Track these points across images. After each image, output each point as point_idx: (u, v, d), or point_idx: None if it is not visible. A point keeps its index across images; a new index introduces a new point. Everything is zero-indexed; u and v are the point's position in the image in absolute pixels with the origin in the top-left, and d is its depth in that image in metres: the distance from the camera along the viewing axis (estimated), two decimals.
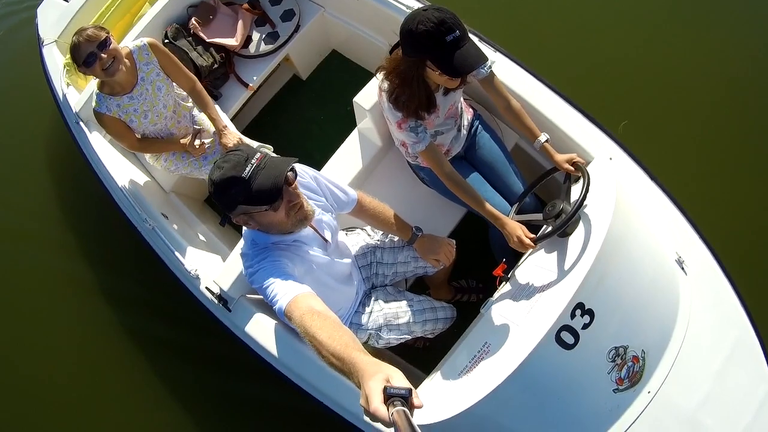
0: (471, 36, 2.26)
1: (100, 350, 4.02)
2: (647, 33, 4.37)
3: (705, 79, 4.13)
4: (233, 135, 3.20)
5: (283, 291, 1.90)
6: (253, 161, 1.88)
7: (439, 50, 2.19)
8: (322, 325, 1.64)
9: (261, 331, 2.69)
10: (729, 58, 4.17)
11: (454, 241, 2.73)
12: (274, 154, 2.00)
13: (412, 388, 1.23)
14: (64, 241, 4.31)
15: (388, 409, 1.18)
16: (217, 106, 3.33)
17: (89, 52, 2.82)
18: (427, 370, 2.63)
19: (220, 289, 2.78)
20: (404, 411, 1.15)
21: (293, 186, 2.00)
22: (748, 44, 4.19)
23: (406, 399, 1.20)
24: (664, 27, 4.37)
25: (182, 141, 3.25)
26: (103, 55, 2.84)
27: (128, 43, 3.11)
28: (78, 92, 3.66)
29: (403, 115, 2.49)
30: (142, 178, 3.56)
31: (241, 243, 2.21)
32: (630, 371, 2.21)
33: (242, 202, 1.91)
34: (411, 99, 2.45)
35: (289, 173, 1.95)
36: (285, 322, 1.94)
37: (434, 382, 2.47)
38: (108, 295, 4.14)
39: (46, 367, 4.06)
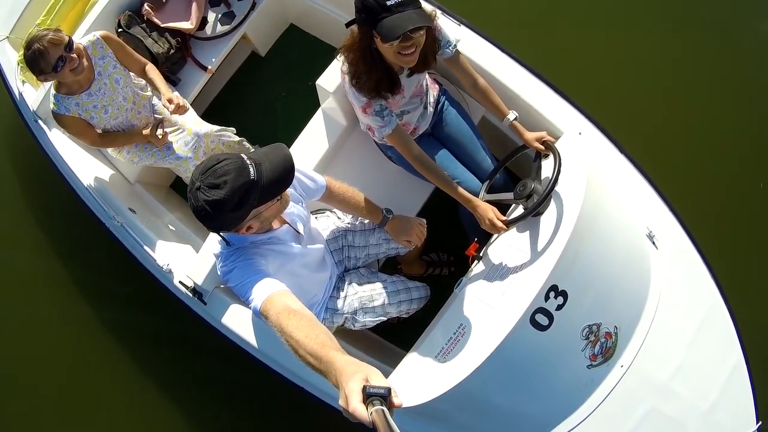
0: (437, 11, 2.21)
1: (82, 346, 4.01)
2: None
3: (672, 45, 4.15)
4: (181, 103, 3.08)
5: (257, 290, 1.87)
6: (248, 161, 1.80)
7: (380, 15, 2.12)
8: (299, 325, 1.62)
9: (238, 321, 2.70)
10: (691, 20, 4.19)
11: (425, 221, 2.72)
12: (249, 144, 1.94)
13: (391, 387, 1.22)
14: (35, 241, 4.22)
15: (367, 409, 1.17)
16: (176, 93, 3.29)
17: (59, 57, 2.72)
18: (403, 345, 2.65)
19: (194, 283, 2.77)
20: (383, 410, 1.15)
21: None
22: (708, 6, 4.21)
23: (385, 398, 1.19)
24: None
25: (144, 132, 3.18)
26: (73, 55, 2.76)
27: (80, 38, 3.01)
28: (34, 89, 3.56)
29: (367, 97, 2.45)
30: (106, 172, 3.49)
31: (214, 241, 2.16)
32: (603, 347, 2.27)
33: (257, 204, 1.85)
34: (369, 75, 2.39)
35: None
36: (261, 321, 1.90)
37: (411, 364, 2.50)
38: (84, 291, 4.09)
39: (28, 364, 4.04)
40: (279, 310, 1.74)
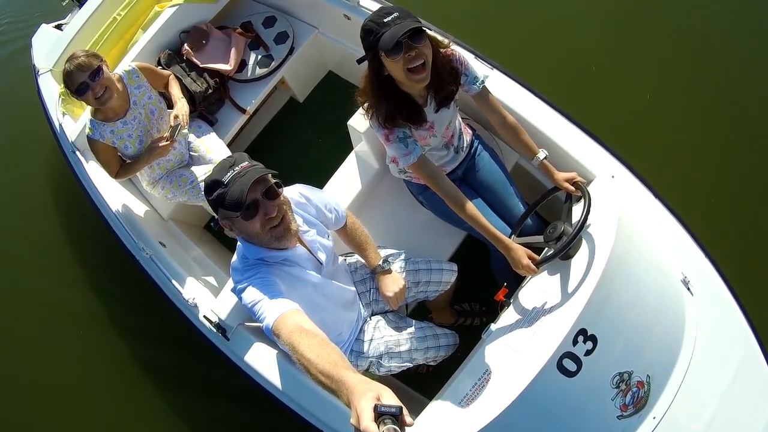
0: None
1: (101, 377, 4.04)
2: (643, 41, 4.42)
3: (710, 89, 4.11)
4: (180, 110, 3.15)
5: (270, 308, 1.89)
6: (237, 168, 1.92)
7: (379, 33, 2.17)
8: (310, 344, 1.64)
9: (260, 360, 2.66)
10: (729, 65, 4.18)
11: (404, 284, 2.63)
12: (260, 165, 1.97)
13: (403, 405, 1.23)
14: (63, 268, 4.33)
15: (378, 427, 1.18)
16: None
17: (81, 82, 2.81)
18: (431, 395, 2.58)
19: (218, 317, 2.75)
20: (395, 429, 1.16)
21: (277, 200, 1.98)
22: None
23: (396, 417, 1.20)
24: (655, 31, 4.42)
25: (161, 144, 3.06)
26: (97, 84, 2.84)
27: (118, 69, 3.10)
28: (74, 121, 3.66)
29: (386, 127, 2.43)
30: (139, 207, 3.55)
31: (234, 258, 2.18)
32: (635, 397, 2.16)
33: (221, 206, 1.93)
34: (380, 105, 2.40)
35: (273, 186, 1.96)
36: (272, 340, 1.91)
37: (436, 409, 2.42)
38: (108, 322, 4.14)
39: (45, 391, 4.08)
40: (291, 329, 1.76)
